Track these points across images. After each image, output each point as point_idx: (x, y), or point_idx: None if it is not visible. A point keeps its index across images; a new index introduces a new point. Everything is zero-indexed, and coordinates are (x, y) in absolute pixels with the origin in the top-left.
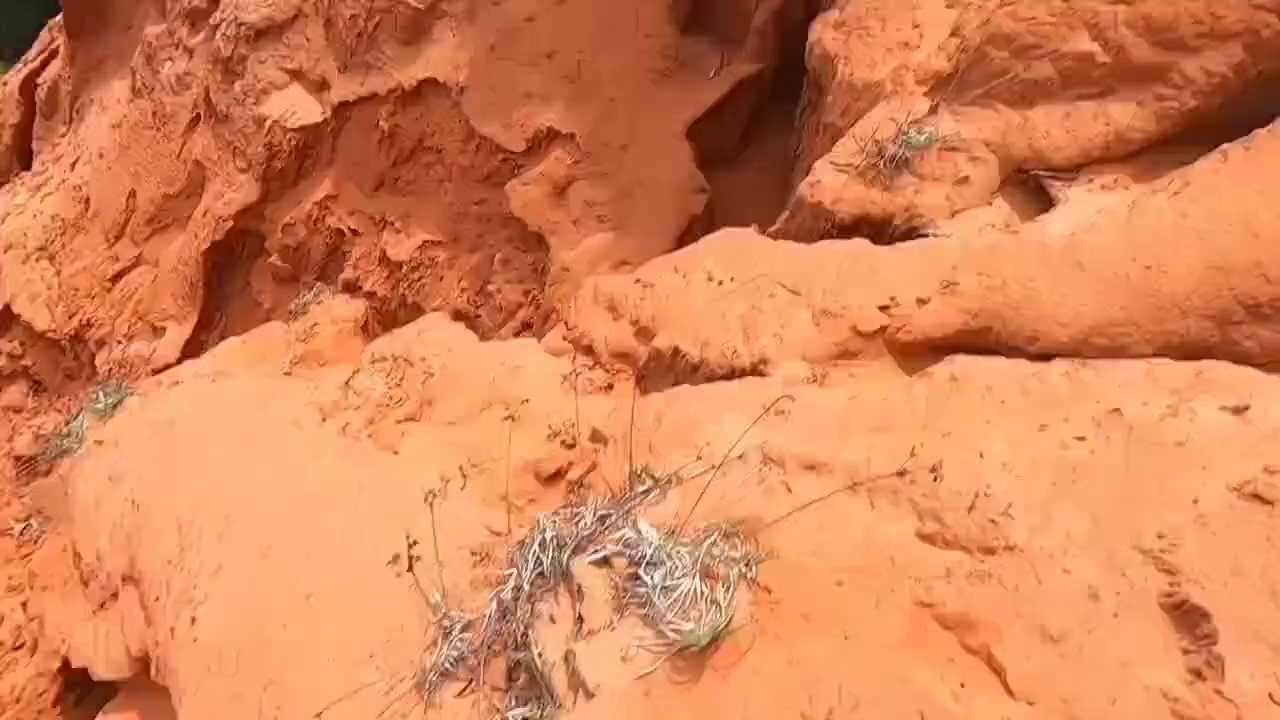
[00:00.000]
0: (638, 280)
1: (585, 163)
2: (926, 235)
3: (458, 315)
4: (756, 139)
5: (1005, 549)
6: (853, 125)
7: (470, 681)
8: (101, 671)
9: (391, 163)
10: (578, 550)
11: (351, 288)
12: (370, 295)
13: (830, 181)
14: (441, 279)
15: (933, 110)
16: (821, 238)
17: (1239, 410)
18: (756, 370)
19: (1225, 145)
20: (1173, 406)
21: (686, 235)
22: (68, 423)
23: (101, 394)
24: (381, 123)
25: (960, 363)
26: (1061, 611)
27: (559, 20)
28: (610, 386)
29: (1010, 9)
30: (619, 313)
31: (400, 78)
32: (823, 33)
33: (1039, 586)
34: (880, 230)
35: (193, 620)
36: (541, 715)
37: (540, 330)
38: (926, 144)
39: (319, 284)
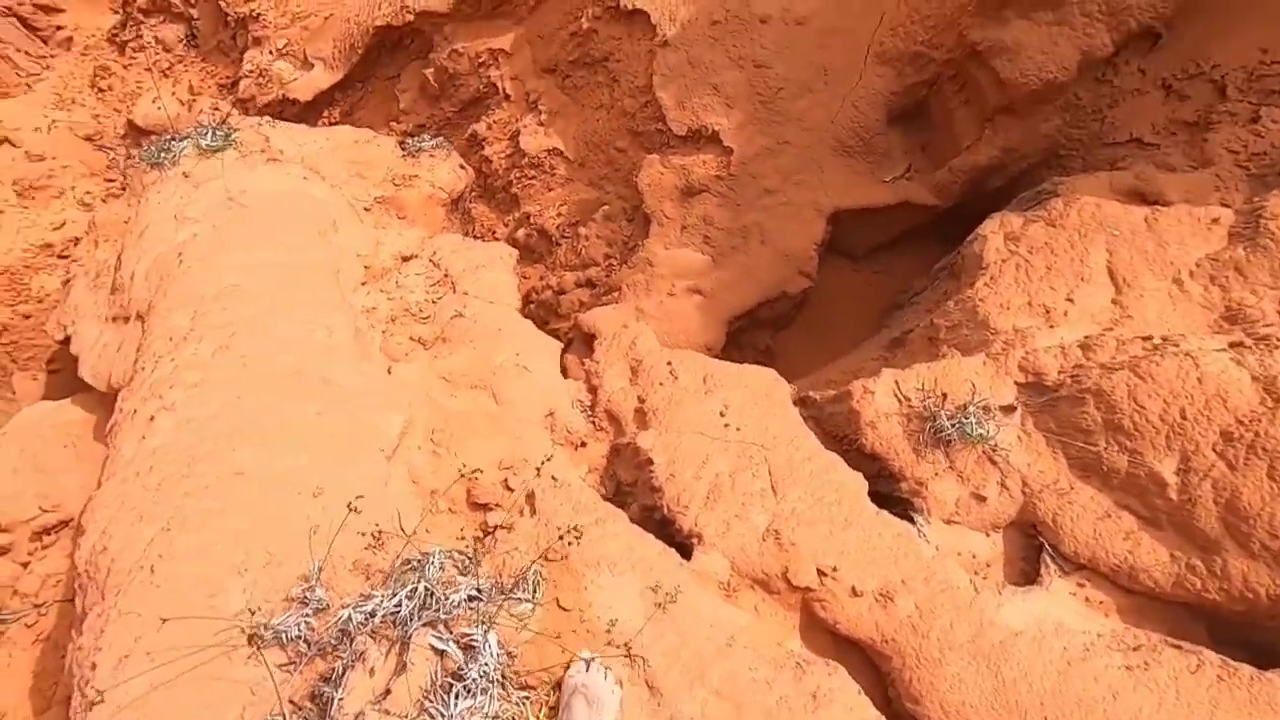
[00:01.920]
0: (669, 364)
1: (726, 183)
2: (915, 522)
3: (542, 234)
4: (890, 251)
5: None
6: (950, 349)
7: (292, 664)
8: (85, 374)
9: (571, 59)
10: (432, 623)
11: (475, 144)
12: (485, 160)
13: (882, 403)
14: (550, 191)
15: (1008, 409)
16: (843, 443)
17: None
18: (689, 538)
19: (1208, 653)
20: None
21: (765, 306)
22: (170, 139)
23: (211, 131)
24: (584, 19)
25: (835, 680)
26: None
27: (786, 38)
28: (583, 444)
29: (1133, 381)
30: (636, 380)
31: None
32: (993, 235)
33: None
34: (888, 480)
35: (151, 419)
36: None
37: (597, 300)
38: (976, 441)
39: (443, 136)
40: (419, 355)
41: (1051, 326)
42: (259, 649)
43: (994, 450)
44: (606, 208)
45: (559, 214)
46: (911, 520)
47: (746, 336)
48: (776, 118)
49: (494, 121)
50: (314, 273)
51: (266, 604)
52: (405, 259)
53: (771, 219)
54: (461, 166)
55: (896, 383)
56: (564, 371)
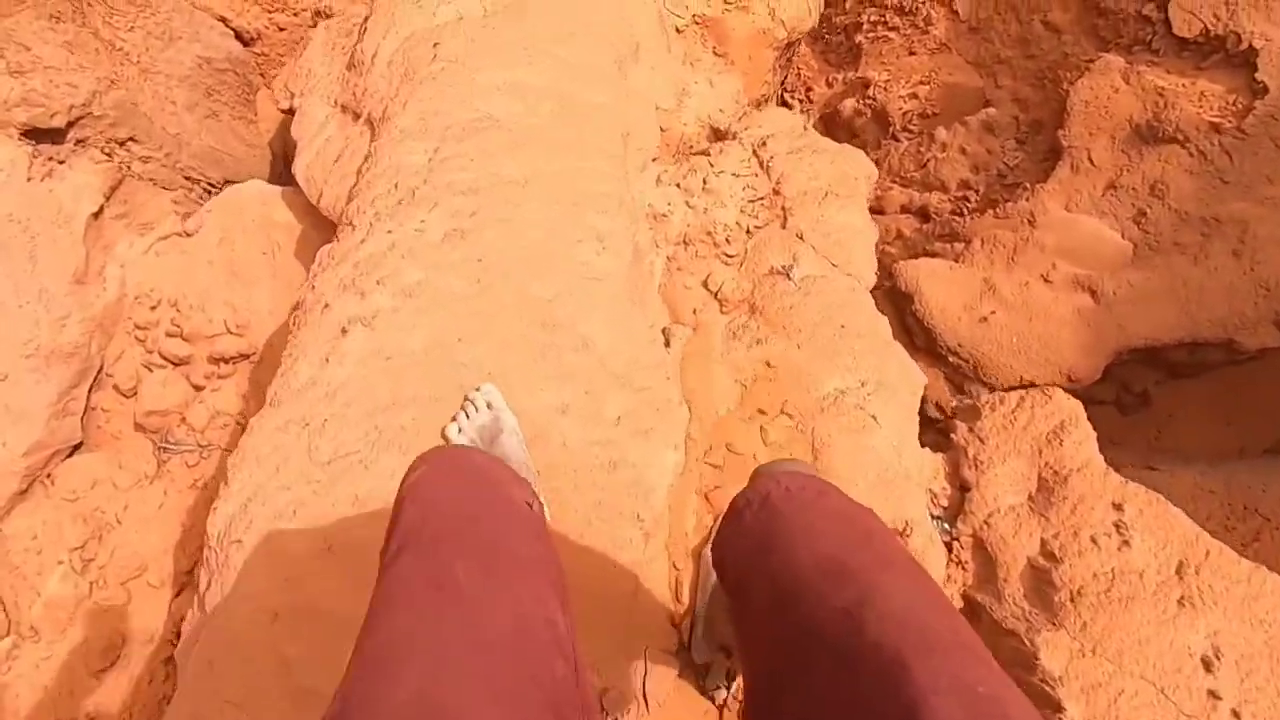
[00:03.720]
0: (1119, 509)
1: (1224, 140)
2: None
3: (879, 115)
4: None
5: None
6: None
7: None
8: (297, 172)
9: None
10: None
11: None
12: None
13: None
14: (910, 55)
15: None
16: None
17: None
18: None
19: None
20: None
21: (1185, 348)
22: None
23: None
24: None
25: None
26: None
27: None
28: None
29: None
30: (1046, 505)
31: None
32: None
33: None
34: None
35: (343, 332)
36: None
37: (925, 242)
38: None
39: None
40: (711, 319)
41: None
42: None
43: None
44: (991, 111)
45: (913, 94)
46: None
47: (1120, 370)
48: None
49: (876, 55)
50: (597, 125)
51: None
52: (717, 134)
53: (1272, 221)
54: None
55: None
56: None
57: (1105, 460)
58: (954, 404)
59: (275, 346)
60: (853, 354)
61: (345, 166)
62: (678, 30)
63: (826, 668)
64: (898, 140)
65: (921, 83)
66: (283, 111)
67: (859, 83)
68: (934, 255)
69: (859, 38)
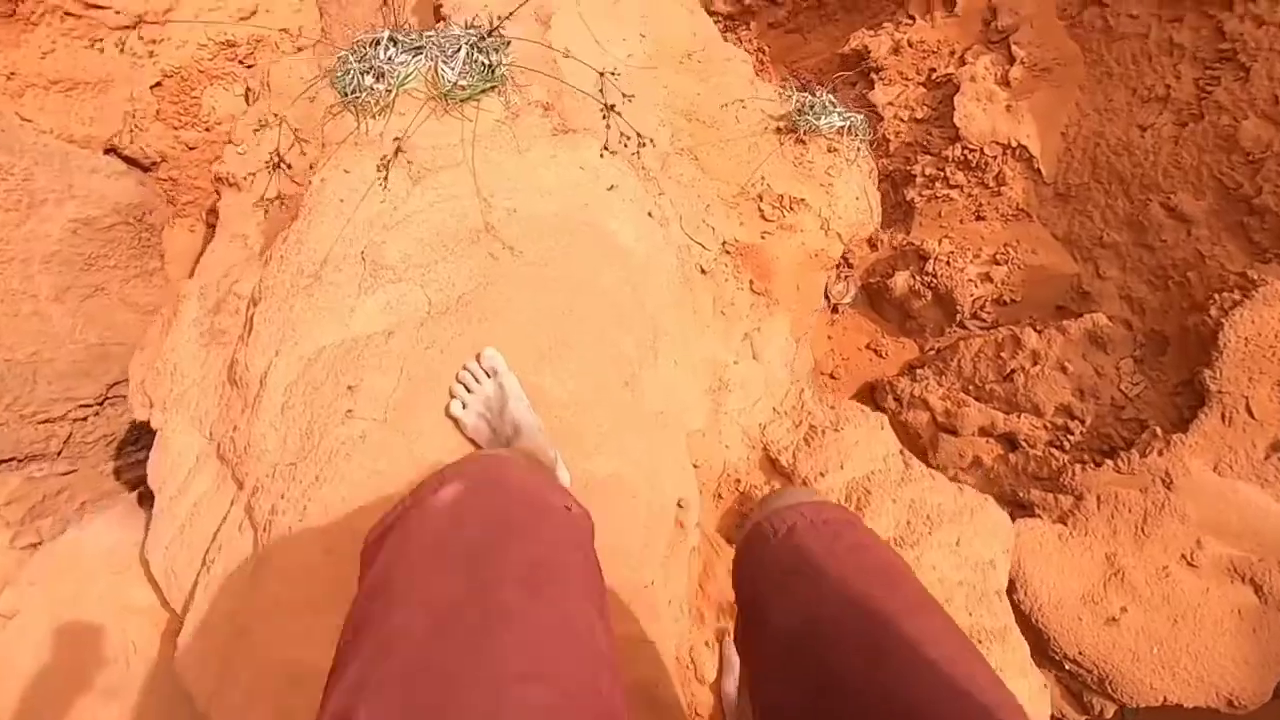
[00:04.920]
0: None
1: None
2: None
3: (941, 297)
4: None
5: None
6: None
7: None
8: (151, 560)
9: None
10: None
11: (850, 72)
12: (869, 114)
13: None
14: (978, 221)
15: None
16: None
17: None
18: None
19: None
20: None
21: None
22: (379, 47)
23: (466, 48)
24: None
25: None
26: None
27: None
28: None
29: None
30: None
31: None
32: None
33: None
34: None
35: None
36: None
37: (1015, 482)
38: None
39: (841, 102)
40: None
41: None
42: None
43: None
44: (1099, 319)
45: (985, 275)
46: None
47: None
48: None
49: (905, 43)
50: (609, 529)
51: None
52: (775, 466)
53: None
54: (872, 174)
55: None
56: None
57: None
58: None
59: None
60: None
61: (212, 583)
62: (703, 270)
63: (845, 709)
64: (966, 329)
65: (995, 261)
66: (138, 421)
67: (913, 252)
68: (1028, 505)
69: (911, 193)
